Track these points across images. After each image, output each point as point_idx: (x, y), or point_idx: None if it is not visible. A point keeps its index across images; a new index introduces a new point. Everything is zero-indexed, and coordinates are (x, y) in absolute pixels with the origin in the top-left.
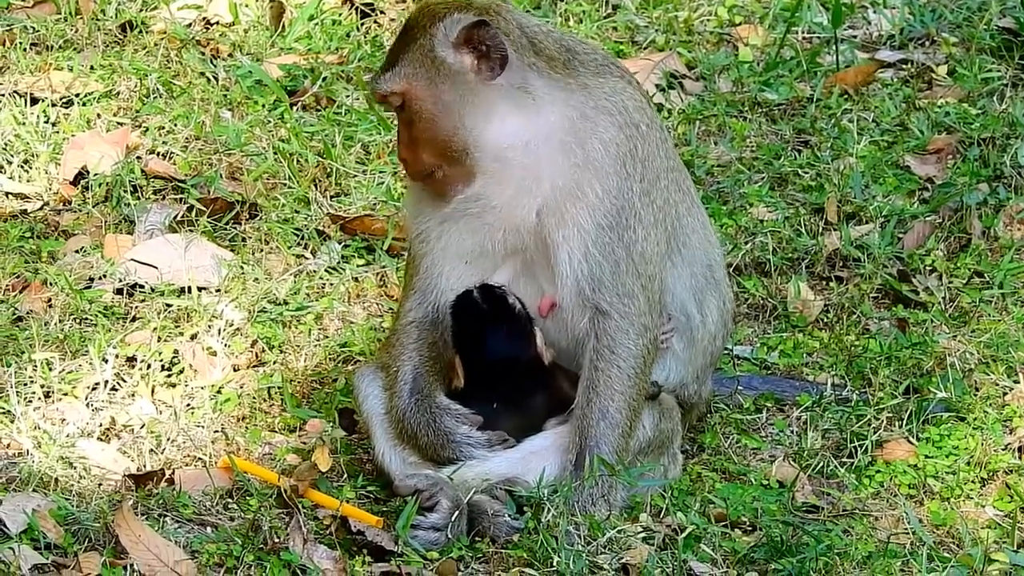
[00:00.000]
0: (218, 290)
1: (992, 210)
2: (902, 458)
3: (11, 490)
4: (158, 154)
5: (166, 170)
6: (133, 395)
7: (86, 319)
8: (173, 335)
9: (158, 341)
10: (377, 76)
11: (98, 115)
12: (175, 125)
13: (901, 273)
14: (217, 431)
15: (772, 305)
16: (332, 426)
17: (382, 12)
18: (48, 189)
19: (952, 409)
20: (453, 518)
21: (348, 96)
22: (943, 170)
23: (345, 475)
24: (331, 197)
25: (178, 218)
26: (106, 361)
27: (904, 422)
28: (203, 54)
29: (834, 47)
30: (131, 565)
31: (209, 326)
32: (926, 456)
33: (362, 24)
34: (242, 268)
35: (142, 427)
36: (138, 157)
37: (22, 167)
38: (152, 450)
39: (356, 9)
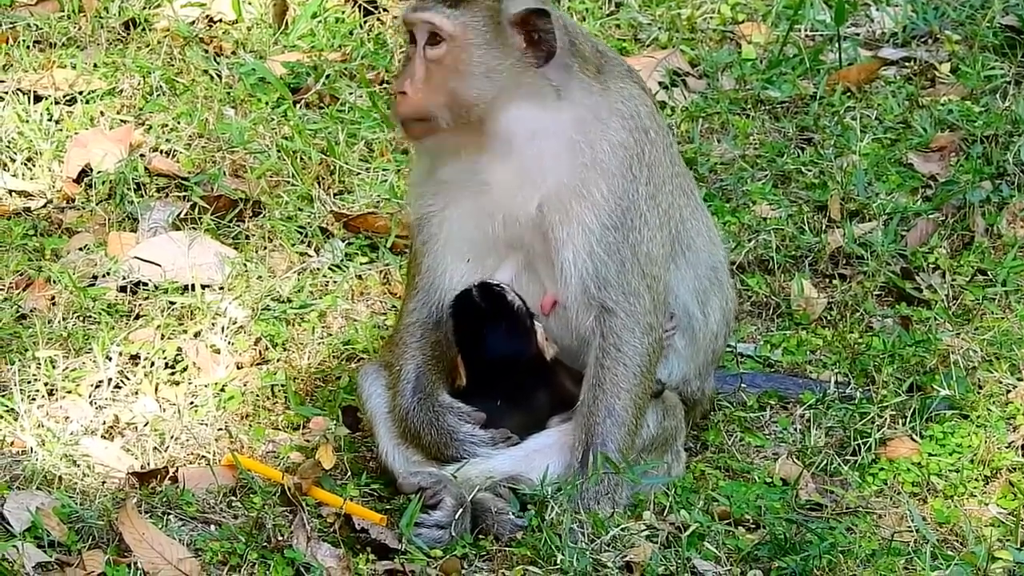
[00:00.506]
0: (221, 288)
1: (995, 208)
2: (905, 456)
3: (15, 488)
4: (161, 152)
5: (169, 168)
6: (137, 393)
7: (90, 317)
8: (177, 333)
9: (162, 339)
10: (430, 4)
11: (101, 113)
12: (178, 123)
13: (904, 271)
14: (221, 429)
15: (775, 303)
16: (336, 424)
17: (385, 10)
18: (51, 187)
19: (956, 407)
20: (457, 516)
21: (351, 94)
22: (946, 168)
23: (349, 473)
24: (334, 195)
25: (181, 216)
26: (110, 359)
27: (907, 420)
28: (206, 52)
29: (837, 45)
30: (135, 563)
31: (213, 324)
32: (929, 454)
33: (365, 22)
34: (245, 266)
35: (146, 425)
36: (141, 155)
37: (25, 165)
38: (156, 448)
39: (359, 7)
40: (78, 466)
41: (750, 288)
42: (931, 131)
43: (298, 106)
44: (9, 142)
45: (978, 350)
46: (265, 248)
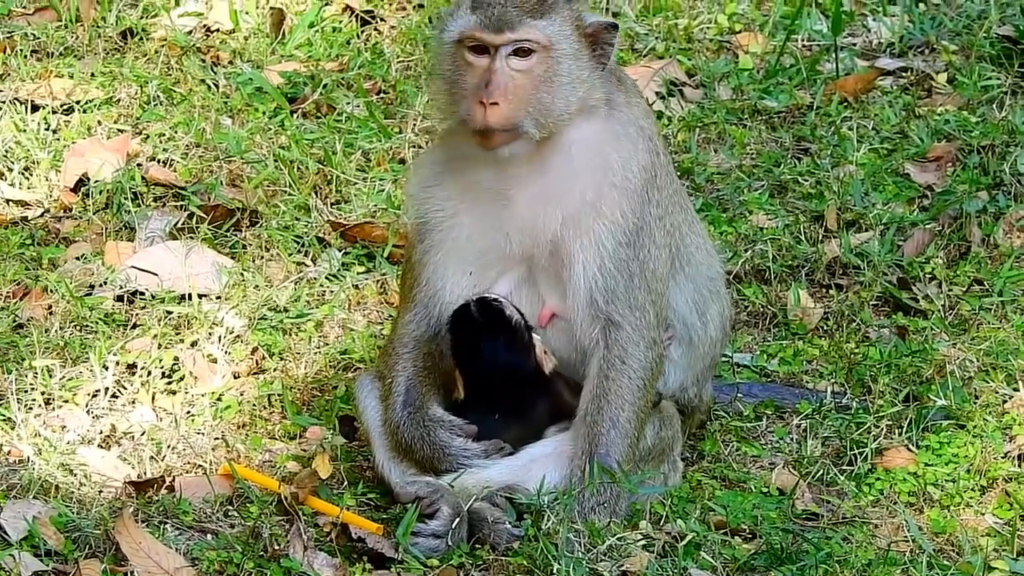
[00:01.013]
0: (218, 297)
1: (992, 218)
2: (902, 466)
3: (12, 497)
4: (159, 161)
5: (166, 177)
6: (133, 402)
7: (86, 326)
8: (173, 342)
9: (158, 348)
10: (516, 18)
11: (99, 122)
12: (175, 132)
13: (901, 281)
14: (217, 438)
15: (772, 313)
16: (332, 433)
17: (382, 20)
18: (49, 196)
19: (952, 417)
20: (453, 525)
21: (349, 103)
22: (943, 178)
23: (345, 482)
24: (331, 204)
25: (178, 225)
26: (106, 368)
27: (904, 430)
28: (203, 61)
29: (834, 55)
30: (132, 572)
31: (209, 333)
32: (926, 464)
33: (362, 31)
34: (242, 275)
35: (142, 434)
36: (138, 164)
37: (23, 174)
38: (152, 457)
39: (356, 16)
40: (75, 475)
41: (747, 298)
42: (928, 141)
43: (295, 116)
44: (6, 151)
45: (974, 360)
46: (262, 258)
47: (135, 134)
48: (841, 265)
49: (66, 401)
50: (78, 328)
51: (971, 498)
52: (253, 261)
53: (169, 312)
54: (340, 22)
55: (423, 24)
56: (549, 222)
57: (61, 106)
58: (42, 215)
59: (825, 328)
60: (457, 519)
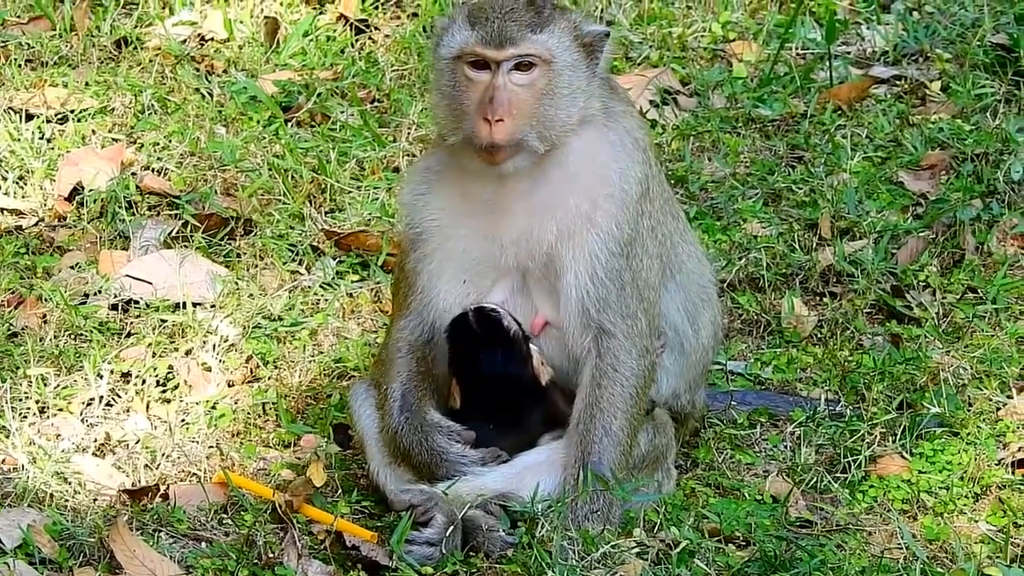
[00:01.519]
0: (213, 306)
1: (985, 226)
2: (895, 473)
3: (6, 505)
4: (153, 170)
5: (161, 186)
6: (128, 410)
7: (81, 335)
8: (168, 351)
9: (153, 357)
10: (517, 34)
11: (93, 131)
12: (170, 141)
13: (895, 289)
14: (212, 446)
15: (766, 320)
16: (327, 441)
17: (376, 28)
18: (43, 205)
19: (945, 424)
20: (448, 533)
21: (343, 112)
22: (937, 186)
23: (340, 490)
24: (326, 213)
25: (173, 234)
26: (101, 377)
27: (897, 437)
28: (198, 70)
29: (828, 63)
30: None
31: (204, 342)
32: (919, 471)
33: (356, 40)
34: (237, 284)
35: (137, 442)
36: (133, 173)
37: (17, 183)
38: (147, 465)
39: (351, 25)
40: (69, 483)
41: (741, 306)
42: (922, 149)
43: (289, 124)
44: (1, 161)
45: (968, 368)
46: (256, 266)
47: (129, 143)
48: (835, 273)
49: (60, 409)
50: (72, 337)
51: (965, 505)
52: (247, 270)
53: (163, 321)
54: (334, 31)
55: (417, 33)
56: (544, 234)
57: (55, 115)
58: (36, 224)
59: (819, 336)
60: (451, 527)
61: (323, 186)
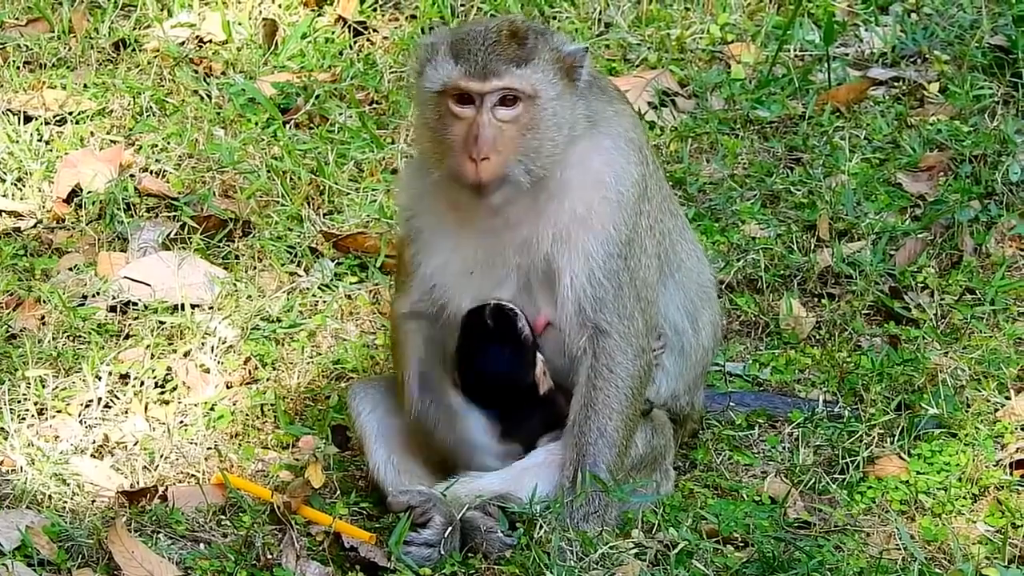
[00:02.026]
0: (211, 307)
1: (984, 227)
2: (894, 474)
3: (4, 507)
4: (151, 172)
5: (159, 188)
6: (126, 412)
7: (79, 336)
8: (166, 352)
9: (151, 358)
10: (502, 68)
11: (91, 133)
12: (168, 143)
13: (893, 290)
14: (210, 448)
15: (764, 322)
16: (325, 443)
17: (375, 30)
18: (41, 207)
19: (944, 425)
20: (446, 534)
21: (341, 114)
22: (935, 187)
23: (338, 491)
24: (324, 215)
25: (171, 236)
26: (99, 378)
27: (896, 438)
28: (196, 72)
29: (826, 65)
30: None
31: (202, 343)
32: (917, 472)
33: (355, 42)
34: (235, 285)
35: (135, 444)
36: (131, 175)
37: (15, 185)
38: (145, 467)
39: (349, 27)
40: (68, 485)
41: (739, 307)
42: (920, 151)
43: (288, 126)
44: None
45: (966, 369)
46: (255, 268)
47: (128, 145)
48: (833, 274)
49: (59, 411)
50: (71, 338)
51: (963, 506)
52: (246, 271)
53: (162, 322)
54: (333, 33)
55: (415, 35)
56: (542, 239)
57: (54, 117)
58: (35, 226)
59: (817, 337)
60: (449, 528)
61: (321, 188)
